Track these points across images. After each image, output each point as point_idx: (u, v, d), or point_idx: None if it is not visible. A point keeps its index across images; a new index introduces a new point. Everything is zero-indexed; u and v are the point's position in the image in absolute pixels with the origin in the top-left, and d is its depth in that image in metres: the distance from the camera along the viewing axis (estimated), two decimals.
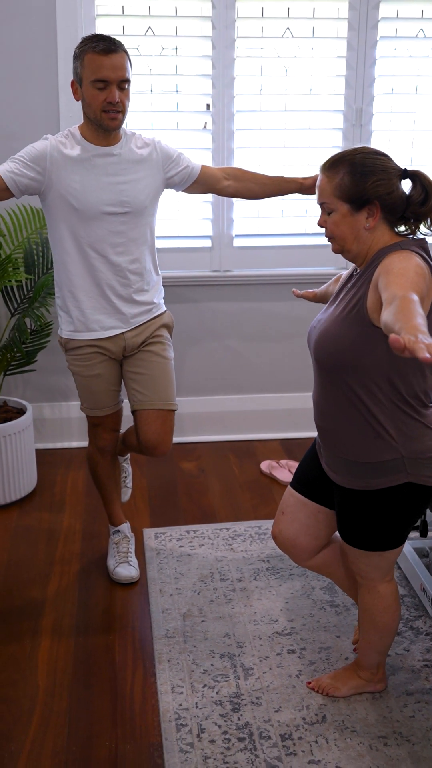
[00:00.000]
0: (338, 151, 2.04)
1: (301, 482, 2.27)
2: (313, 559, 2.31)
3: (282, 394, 4.01)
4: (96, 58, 2.41)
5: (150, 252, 2.69)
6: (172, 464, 3.73)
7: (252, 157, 3.68)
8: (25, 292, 3.50)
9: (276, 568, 2.92)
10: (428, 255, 1.95)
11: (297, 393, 3.97)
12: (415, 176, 1.98)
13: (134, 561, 2.90)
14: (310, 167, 3.61)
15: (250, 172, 2.80)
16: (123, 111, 2.48)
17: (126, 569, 2.85)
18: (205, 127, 3.66)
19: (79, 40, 2.48)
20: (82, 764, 2.09)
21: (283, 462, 3.72)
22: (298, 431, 3.98)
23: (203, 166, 2.73)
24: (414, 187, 1.98)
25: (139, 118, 3.56)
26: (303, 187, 2.78)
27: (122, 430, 3.02)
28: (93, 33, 2.48)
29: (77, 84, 2.49)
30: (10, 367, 3.48)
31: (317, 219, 2.05)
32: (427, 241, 1.99)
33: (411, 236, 2.02)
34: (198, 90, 3.60)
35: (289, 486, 2.31)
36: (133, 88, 3.48)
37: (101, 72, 2.41)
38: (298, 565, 2.32)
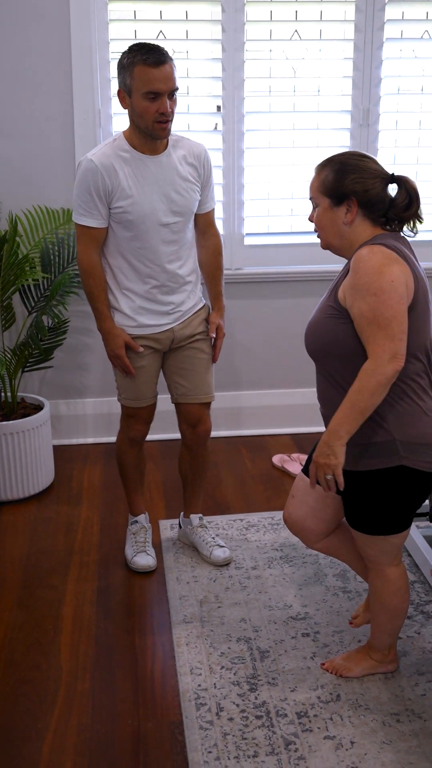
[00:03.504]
0: (345, 150, 2.15)
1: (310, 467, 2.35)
2: (322, 542, 2.39)
3: (293, 390, 4.08)
4: (147, 71, 2.45)
5: (194, 251, 2.81)
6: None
7: (261, 157, 3.76)
8: (42, 291, 3.58)
9: (289, 557, 3.00)
10: (401, 243, 2.07)
11: (307, 389, 4.04)
12: (401, 181, 2.10)
13: (152, 550, 2.98)
14: None
15: (215, 262, 2.87)
16: (172, 119, 2.55)
17: (144, 558, 2.93)
18: (215, 128, 3.75)
19: (126, 51, 2.52)
20: (106, 741, 2.17)
21: (295, 455, 3.80)
22: (309, 426, 4.05)
23: (212, 211, 2.83)
24: (399, 192, 2.10)
25: None
26: (213, 312, 2.88)
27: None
28: (139, 42, 2.52)
29: (125, 93, 2.53)
30: (28, 364, 3.57)
31: None
32: (401, 236, 2.12)
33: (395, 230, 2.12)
34: (208, 92, 3.69)
35: (300, 471, 2.40)
36: None
37: (153, 84, 2.46)
38: (307, 546, 2.41)
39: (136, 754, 2.13)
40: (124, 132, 2.64)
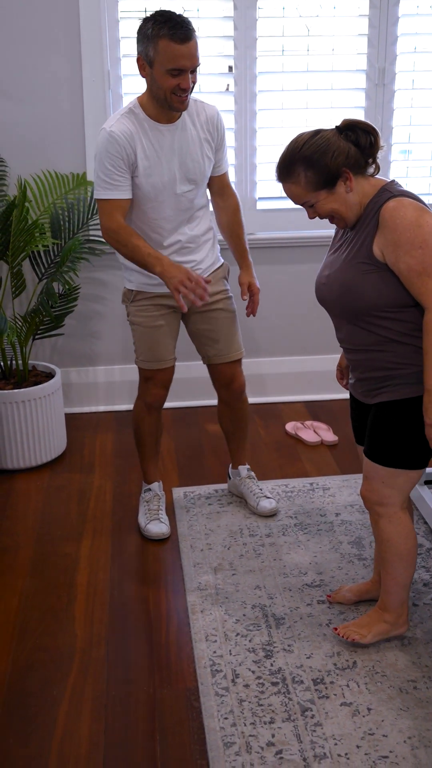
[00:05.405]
0: (359, 112, 2.13)
1: (361, 439, 2.38)
2: None
3: (306, 357, 4.04)
4: (173, 47, 2.40)
5: (208, 211, 2.81)
6: (198, 427, 3.79)
7: (274, 118, 3.68)
8: (52, 257, 3.54)
9: (304, 524, 2.97)
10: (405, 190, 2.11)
11: (321, 355, 4.00)
12: (352, 126, 2.08)
13: (165, 518, 2.96)
14: None
15: (235, 220, 2.86)
16: (191, 93, 2.52)
17: (157, 526, 2.92)
18: (227, 89, 3.66)
19: (150, 18, 2.44)
20: (122, 707, 2.17)
21: (308, 423, 3.76)
22: (323, 393, 4.02)
23: (227, 173, 2.83)
24: (358, 136, 2.08)
25: None
26: (241, 272, 2.89)
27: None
28: (164, 12, 2.44)
29: (145, 63, 2.47)
30: (39, 332, 3.53)
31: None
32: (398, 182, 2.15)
33: (377, 172, 2.15)
34: (220, 51, 3.60)
35: (356, 443, 2.44)
36: None
37: (178, 62, 2.42)
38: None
39: (151, 720, 2.12)
40: (139, 98, 2.60)
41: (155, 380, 2.86)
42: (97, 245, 3.60)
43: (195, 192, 2.69)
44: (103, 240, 3.58)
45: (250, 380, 4.02)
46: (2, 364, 3.50)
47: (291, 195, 2.11)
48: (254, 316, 2.94)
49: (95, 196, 2.62)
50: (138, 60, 2.51)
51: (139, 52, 2.49)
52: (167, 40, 2.40)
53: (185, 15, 3.49)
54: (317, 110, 3.67)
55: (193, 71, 2.48)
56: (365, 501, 2.28)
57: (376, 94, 3.68)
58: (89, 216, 3.56)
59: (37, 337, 3.55)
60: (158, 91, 2.49)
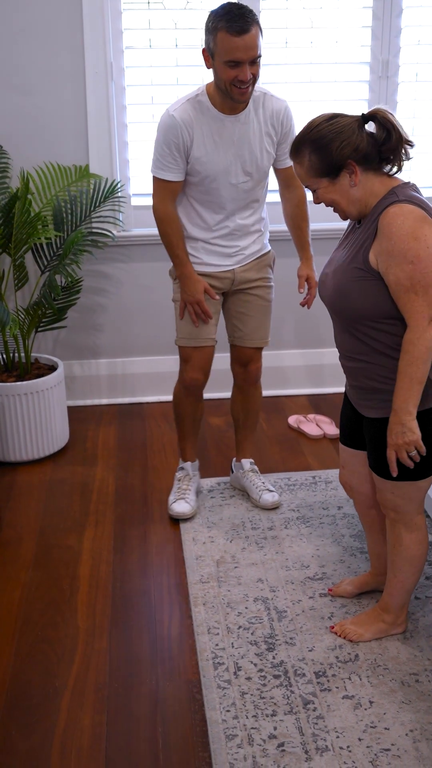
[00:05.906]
0: (363, 104, 2.07)
1: (346, 435, 2.37)
2: (376, 510, 2.39)
3: (309, 350, 4.03)
4: (229, 39, 2.43)
5: (263, 203, 2.86)
6: (201, 420, 3.78)
7: None
8: (55, 250, 3.53)
9: (306, 517, 2.98)
10: (417, 191, 2.04)
11: (324, 349, 3.99)
12: (374, 117, 2.02)
13: (191, 498, 2.99)
14: None
15: (300, 213, 2.90)
16: (253, 83, 2.54)
17: (180, 505, 2.95)
18: None
19: (213, 11, 2.49)
20: (124, 699, 2.18)
21: (311, 416, 3.76)
22: (326, 387, 4.02)
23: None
24: (377, 128, 2.03)
25: (165, 73, 3.55)
26: (301, 264, 2.94)
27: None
28: (227, 5, 2.48)
29: (208, 54, 2.53)
30: (41, 324, 3.53)
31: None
32: (415, 185, 2.07)
33: (397, 172, 2.07)
34: None
35: (339, 442, 2.42)
36: (158, 43, 3.51)
37: (234, 54, 2.45)
38: (359, 513, 2.45)
39: (154, 712, 2.13)
40: (207, 86, 2.64)
41: (193, 361, 2.88)
42: (100, 238, 3.60)
43: (251, 184, 2.73)
44: (105, 233, 3.60)
45: None
46: (5, 356, 3.50)
47: (297, 175, 2.10)
48: (309, 308, 2.97)
49: (151, 171, 2.70)
50: (203, 52, 2.56)
51: (204, 45, 2.54)
52: (224, 33, 2.44)
53: (189, 6, 3.49)
54: (321, 102, 3.65)
55: (253, 63, 2.50)
56: (382, 507, 2.27)
57: (380, 87, 3.67)
58: (92, 208, 3.56)
59: (39, 329, 3.55)
60: (220, 83, 2.54)
